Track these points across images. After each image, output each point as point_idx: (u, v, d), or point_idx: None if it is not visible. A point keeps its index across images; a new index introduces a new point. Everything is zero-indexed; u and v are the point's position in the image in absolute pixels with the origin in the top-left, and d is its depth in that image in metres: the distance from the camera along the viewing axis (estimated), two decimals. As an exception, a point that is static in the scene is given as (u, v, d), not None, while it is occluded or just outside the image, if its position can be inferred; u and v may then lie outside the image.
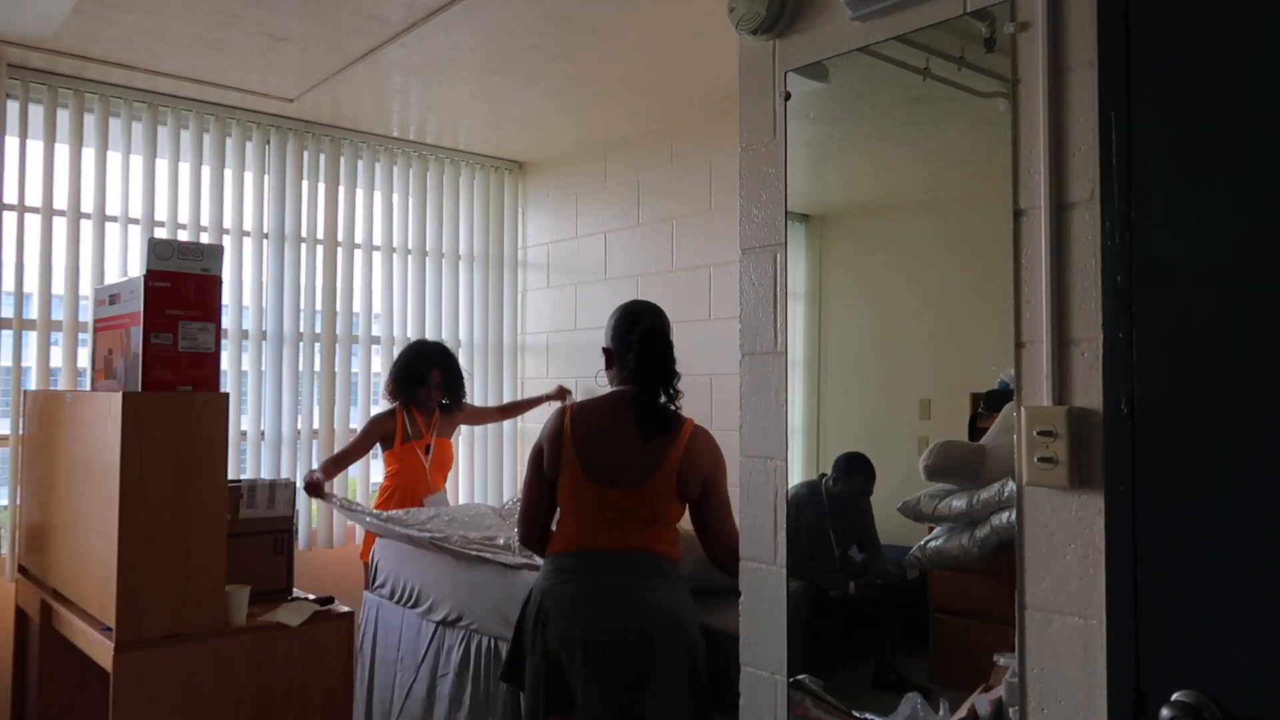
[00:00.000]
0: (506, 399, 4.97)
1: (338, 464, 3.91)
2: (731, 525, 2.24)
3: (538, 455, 2.39)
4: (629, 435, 2.29)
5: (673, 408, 2.34)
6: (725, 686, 2.36)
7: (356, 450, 3.94)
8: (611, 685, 2.14)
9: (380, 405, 4.18)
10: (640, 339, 2.34)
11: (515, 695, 2.90)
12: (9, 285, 3.62)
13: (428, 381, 3.93)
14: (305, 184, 4.33)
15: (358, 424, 4.46)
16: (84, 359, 3.50)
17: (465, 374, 4.20)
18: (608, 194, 4.58)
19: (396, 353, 4.47)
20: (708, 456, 2.30)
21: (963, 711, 1.45)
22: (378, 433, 3.94)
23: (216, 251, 2.54)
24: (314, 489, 3.65)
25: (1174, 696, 1.14)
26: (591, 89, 3.84)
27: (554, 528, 2.42)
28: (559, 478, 2.33)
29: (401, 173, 4.67)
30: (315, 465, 4.24)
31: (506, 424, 4.91)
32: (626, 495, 2.24)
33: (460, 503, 4.42)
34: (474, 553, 3.14)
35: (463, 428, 4.52)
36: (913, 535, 1.58)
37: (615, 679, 2.14)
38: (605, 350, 2.46)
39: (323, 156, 4.39)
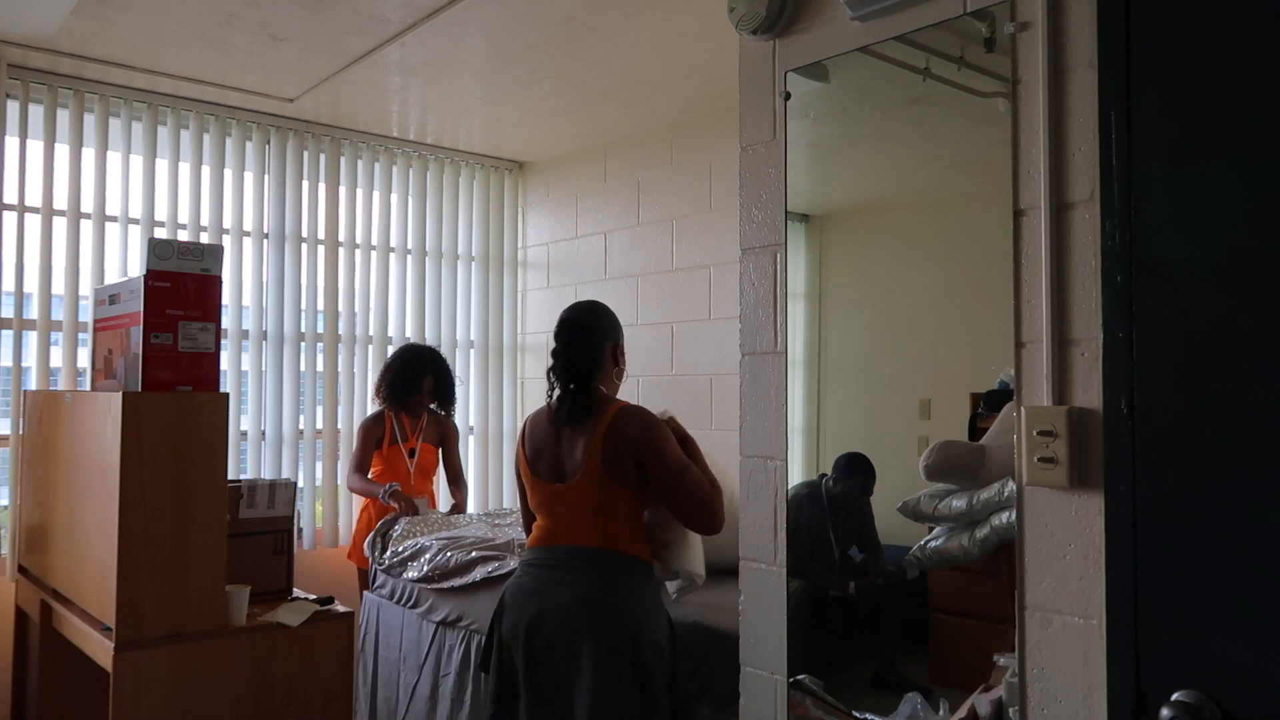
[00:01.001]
0: (507, 399, 4.97)
1: (363, 471, 3.91)
2: (693, 495, 2.17)
3: (516, 462, 2.44)
4: (551, 434, 2.30)
5: (596, 395, 2.28)
6: (715, 684, 2.37)
7: (367, 457, 3.93)
8: (545, 679, 2.17)
9: (372, 407, 4.16)
10: (556, 333, 2.36)
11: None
12: (9, 285, 3.62)
13: (420, 389, 3.91)
14: (305, 184, 4.33)
15: (358, 424, 4.46)
16: (84, 359, 3.50)
17: (458, 380, 4.18)
18: (608, 194, 4.58)
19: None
20: (633, 435, 2.18)
21: (963, 711, 1.45)
22: (374, 436, 3.93)
23: (216, 251, 2.54)
24: (399, 498, 3.68)
25: (1174, 696, 1.14)
26: (591, 89, 3.84)
27: None
28: (523, 480, 2.38)
29: (401, 173, 4.67)
30: (317, 466, 4.25)
31: (506, 428, 4.91)
32: (569, 489, 2.22)
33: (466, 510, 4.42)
34: (475, 555, 3.14)
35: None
36: (913, 535, 1.58)
37: (548, 673, 2.17)
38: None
39: (323, 156, 4.39)
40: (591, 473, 2.18)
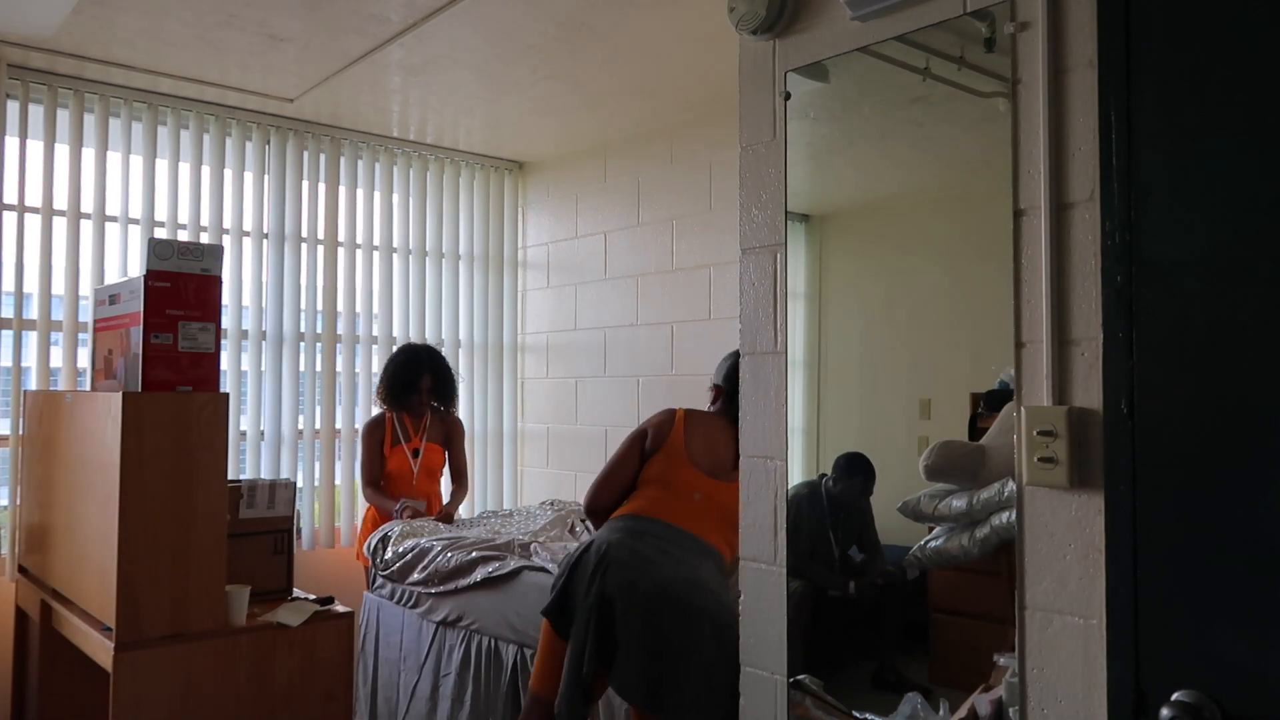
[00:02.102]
0: (507, 399, 4.97)
1: (374, 483, 3.90)
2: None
3: (640, 435, 2.60)
4: (729, 443, 2.45)
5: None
6: None
7: (376, 461, 3.92)
8: (655, 651, 2.17)
9: (374, 409, 4.16)
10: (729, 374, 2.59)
11: (515, 693, 2.91)
12: (9, 285, 3.62)
13: (419, 388, 3.91)
14: (305, 184, 4.33)
15: (359, 424, 4.46)
16: (84, 359, 3.50)
17: (458, 377, 4.17)
18: (608, 194, 4.58)
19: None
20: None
21: (963, 711, 1.45)
22: (376, 439, 3.92)
23: (216, 251, 2.54)
24: (409, 511, 3.69)
25: (1174, 696, 1.14)
26: (591, 89, 3.84)
27: (626, 501, 2.55)
28: (655, 456, 2.54)
29: (401, 173, 4.67)
30: (317, 466, 4.25)
31: (506, 428, 4.92)
32: (718, 485, 2.43)
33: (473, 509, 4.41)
34: (475, 555, 3.14)
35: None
36: (913, 535, 1.58)
37: (659, 646, 2.17)
38: (715, 387, 2.69)
39: (323, 156, 4.39)
40: (730, 475, 2.34)
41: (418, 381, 3.90)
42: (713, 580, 2.31)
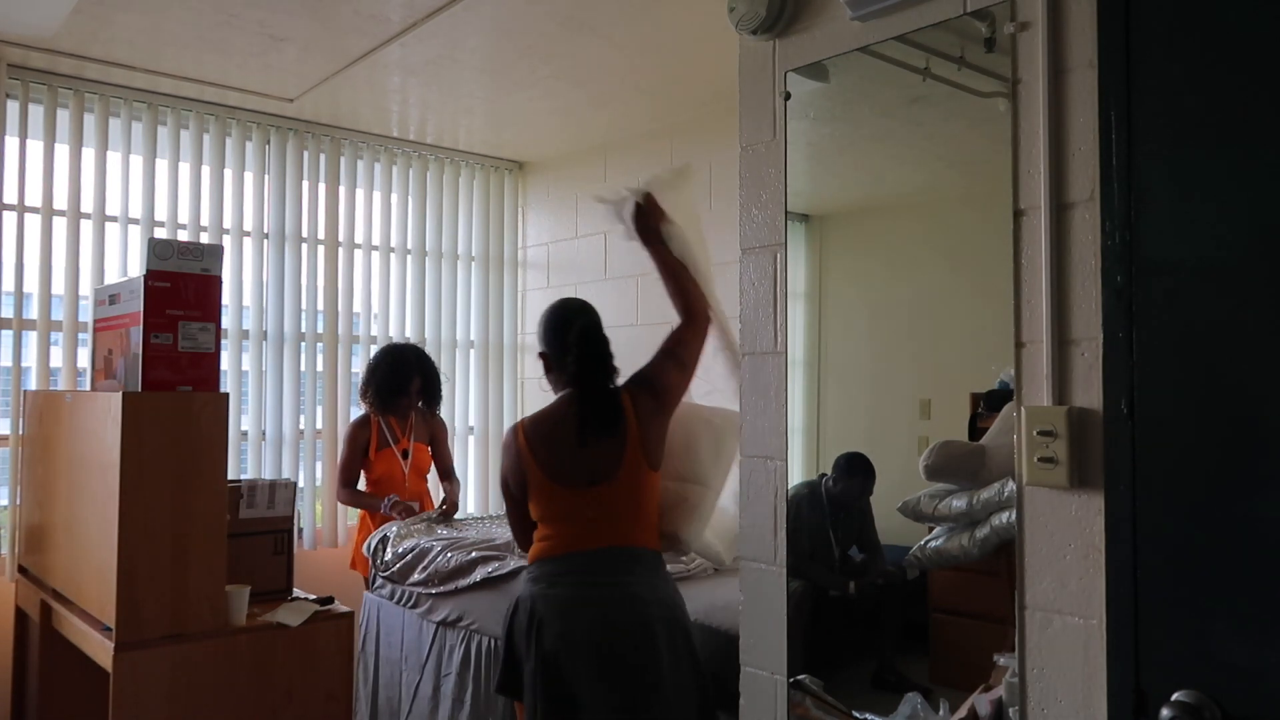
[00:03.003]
0: (507, 399, 4.97)
1: (351, 485, 3.83)
2: (690, 354, 2.29)
3: (505, 486, 2.35)
4: (575, 433, 2.25)
5: (614, 393, 2.28)
6: (724, 684, 2.36)
7: (356, 463, 3.83)
8: (619, 683, 2.11)
9: (356, 411, 4.07)
10: (578, 340, 2.28)
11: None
12: (9, 285, 3.62)
13: (408, 390, 3.82)
14: (305, 184, 4.33)
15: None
16: (84, 359, 3.50)
17: (444, 378, 4.08)
18: (608, 194, 4.58)
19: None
20: (652, 402, 2.25)
21: (963, 711, 1.45)
22: (360, 440, 3.81)
23: (216, 251, 2.54)
24: (400, 509, 3.65)
25: (1174, 696, 1.14)
26: (591, 89, 3.84)
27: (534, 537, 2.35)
28: (528, 493, 2.28)
29: (401, 173, 4.67)
30: (317, 466, 4.25)
31: (506, 429, 4.88)
32: (602, 491, 2.20)
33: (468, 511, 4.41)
34: (475, 555, 3.14)
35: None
36: (913, 535, 1.58)
37: (622, 677, 2.11)
38: (541, 355, 2.38)
39: (323, 156, 4.39)
40: (633, 465, 2.19)
41: (408, 385, 3.80)
42: (643, 585, 2.18)
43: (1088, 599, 1.28)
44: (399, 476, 3.85)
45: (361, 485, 3.88)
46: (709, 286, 2.36)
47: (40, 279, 3.67)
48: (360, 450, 3.82)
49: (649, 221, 2.34)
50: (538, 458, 2.24)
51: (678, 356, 2.29)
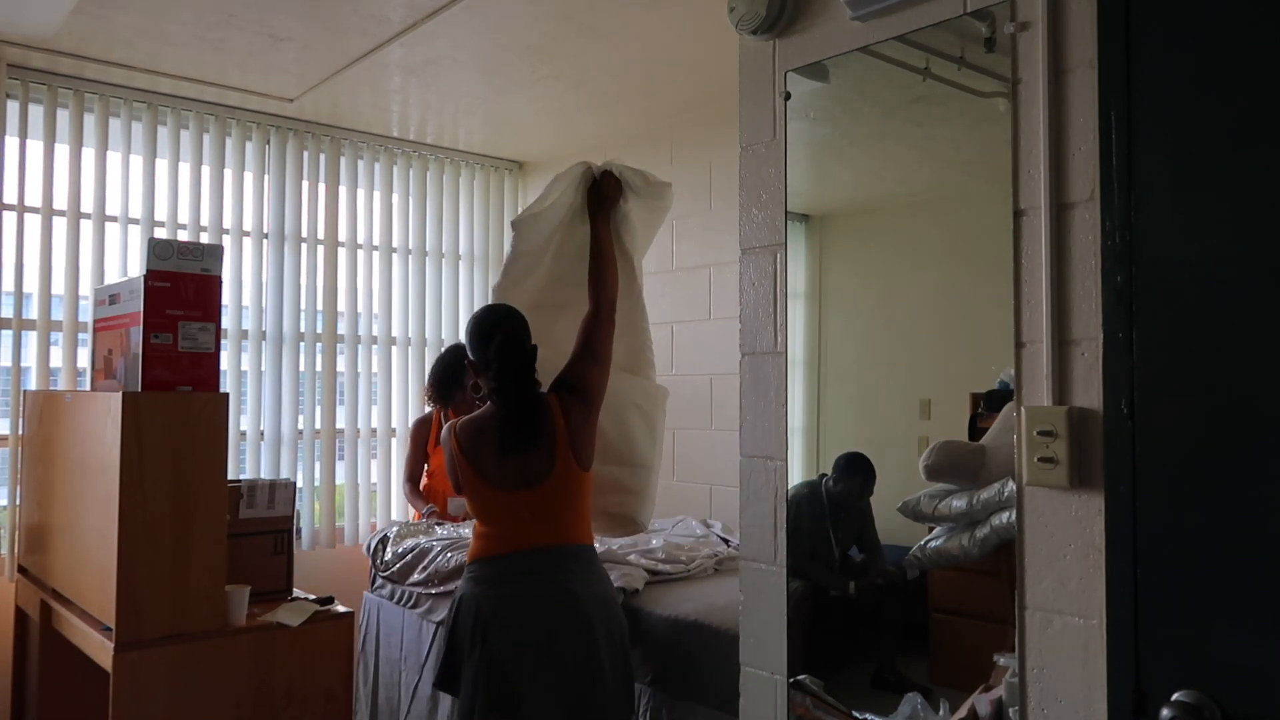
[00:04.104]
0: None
1: (414, 480, 3.90)
2: (600, 345, 2.38)
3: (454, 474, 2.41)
4: (497, 441, 2.30)
5: (539, 399, 2.31)
6: (712, 684, 2.37)
7: (418, 460, 3.92)
8: (562, 678, 2.19)
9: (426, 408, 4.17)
10: (497, 355, 2.30)
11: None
12: (9, 285, 3.62)
13: (464, 384, 3.87)
14: (305, 184, 4.33)
15: (360, 424, 4.46)
16: (84, 359, 3.50)
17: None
18: (608, 194, 4.57)
19: (396, 352, 4.49)
20: (581, 405, 2.32)
21: (963, 711, 1.45)
22: (420, 438, 3.92)
23: (216, 251, 2.54)
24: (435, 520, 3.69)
25: (1174, 696, 1.14)
26: (591, 89, 3.84)
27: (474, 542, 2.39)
28: (464, 492, 2.36)
29: (401, 173, 4.67)
30: (317, 466, 4.25)
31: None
32: (534, 493, 2.26)
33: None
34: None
35: None
36: (913, 535, 1.58)
37: (565, 672, 2.19)
38: (469, 363, 2.43)
39: (323, 156, 4.39)
40: (563, 468, 2.27)
41: (463, 377, 3.88)
42: (578, 581, 2.25)
43: (1088, 599, 1.28)
44: None
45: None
46: (634, 284, 2.58)
47: (40, 279, 3.67)
48: (421, 446, 3.92)
49: (602, 194, 2.51)
50: (470, 460, 2.30)
51: (593, 351, 2.39)
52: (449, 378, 3.88)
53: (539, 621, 2.20)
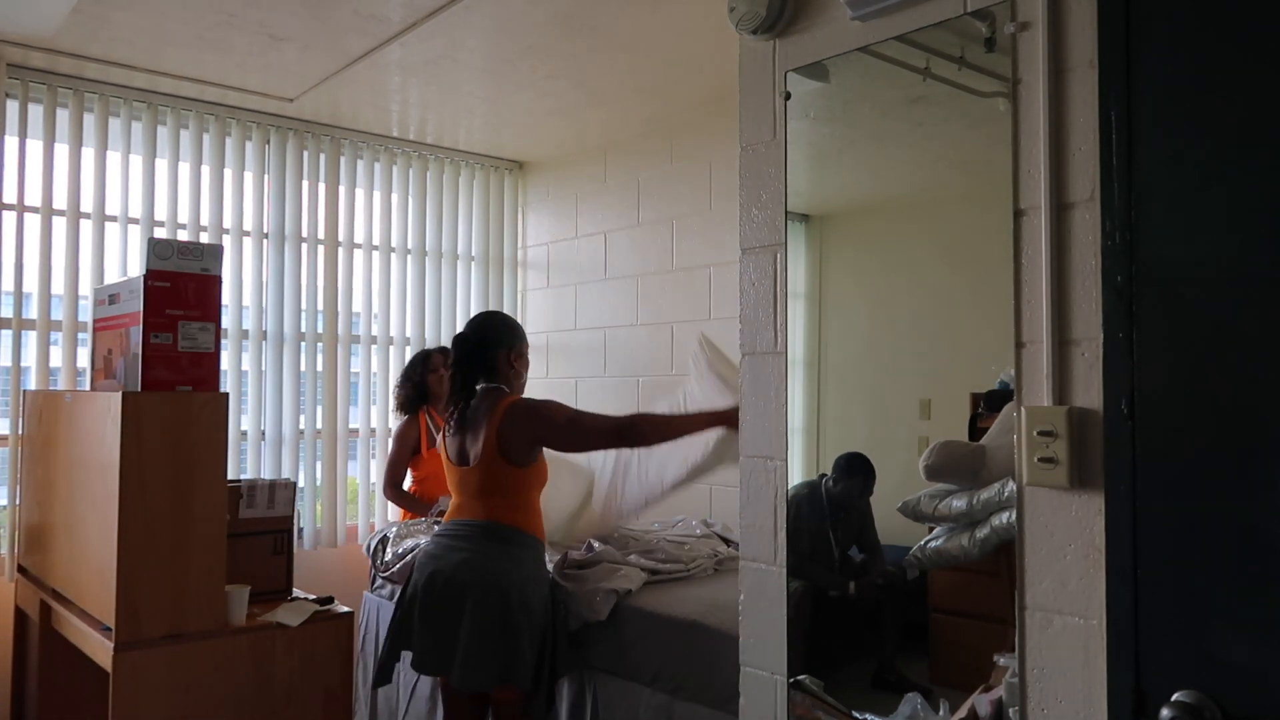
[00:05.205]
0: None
1: (397, 484, 3.82)
2: (593, 432, 2.63)
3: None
4: (462, 424, 2.67)
5: (491, 391, 2.64)
6: (712, 684, 2.37)
7: (403, 463, 3.83)
8: (433, 628, 2.50)
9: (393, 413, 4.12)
10: (454, 347, 2.73)
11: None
12: (9, 285, 3.62)
13: (435, 367, 3.81)
14: (305, 184, 4.33)
15: (359, 424, 4.46)
16: (84, 359, 3.50)
17: None
18: (608, 194, 4.58)
19: (395, 352, 4.49)
20: (526, 424, 2.57)
21: (963, 711, 1.45)
22: (408, 443, 3.83)
23: (216, 251, 2.54)
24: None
25: (1174, 696, 1.14)
26: (591, 89, 3.84)
27: None
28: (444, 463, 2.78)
29: (401, 173, 4.67)
30: (317, 466, 4.25)
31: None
32: (468, 471, 2.60)
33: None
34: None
35: None
36: (913, 535, 1.58)
37: (436, 623, 2.50)
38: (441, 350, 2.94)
39: (323, 156, 4.39)
40: (488, 459, 2.54)
41: (428, 361, 3.86)
42: (483, 555, 2.52)
43: (1088, 599, 1.28)
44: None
45: (408, 484, 3.88)
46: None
47: (40, 279, 3.67)
48: (409, 449, 3.84)
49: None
50: (446, 435, 2.72)
51: (588, 440, 2.69)
52: (415, 370, 3.88)
53: (432, 579, 2.52)
